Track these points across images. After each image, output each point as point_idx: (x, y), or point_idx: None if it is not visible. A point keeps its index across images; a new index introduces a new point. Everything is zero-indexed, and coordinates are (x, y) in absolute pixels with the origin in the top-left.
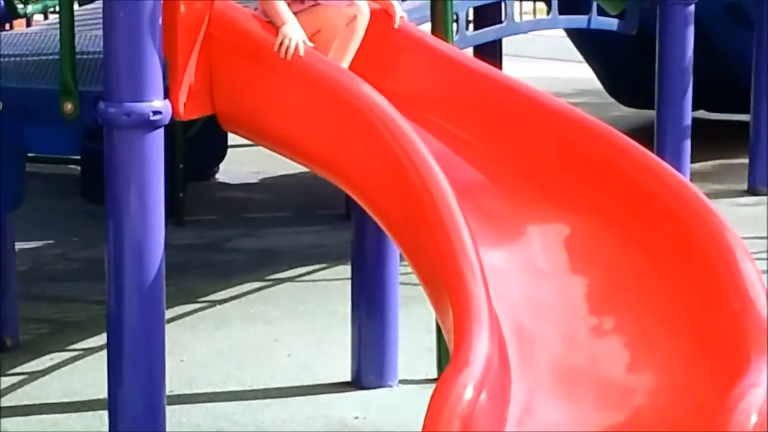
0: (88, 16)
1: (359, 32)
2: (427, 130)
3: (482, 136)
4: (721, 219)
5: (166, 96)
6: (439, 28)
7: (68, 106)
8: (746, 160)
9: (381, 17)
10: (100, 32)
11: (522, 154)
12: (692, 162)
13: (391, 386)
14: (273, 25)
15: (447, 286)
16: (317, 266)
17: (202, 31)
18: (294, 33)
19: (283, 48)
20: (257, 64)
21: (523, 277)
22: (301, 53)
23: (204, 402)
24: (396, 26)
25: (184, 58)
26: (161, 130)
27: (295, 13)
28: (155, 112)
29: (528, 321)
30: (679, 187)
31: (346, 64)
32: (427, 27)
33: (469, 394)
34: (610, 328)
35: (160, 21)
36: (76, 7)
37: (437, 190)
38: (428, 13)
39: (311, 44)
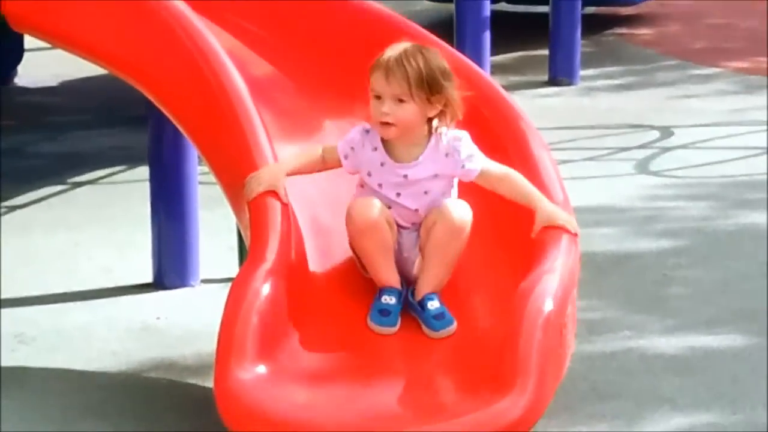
0: None
1: (441, 242)
2: (222, 27)
3: (277, 32)
4: (516, 108)
5: None
6: None
7: None
8: (546, 52)
9: None
10: None
11: (317, 49)
12: (493, 55)
13: (192, 286)
14: None
15: (243, 184)
16: (118, 168)
17: None
18: (266, 177)
19: (247, 187)
20: None
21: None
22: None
23: (5, 307)
24: None
25: None
26: None
27: None
28: None
29: (325, 215)
30: (475, 77)
31: (431, 279)
32: None
33: (266, 289)
34: None
35: None
36: None
37: (231, 86)
38: None
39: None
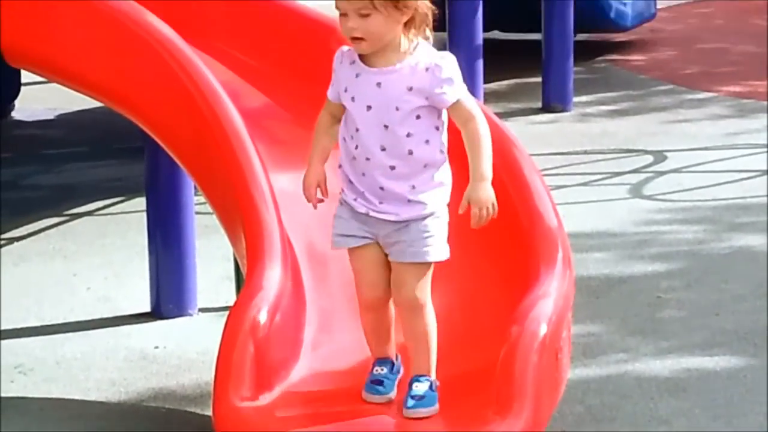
0: None
1: (406, 327)
2: (216, 59)
3: (271, 63)
4: (509, 135)
5: None
6: None
7: None
8: (540, 79)
9: None
10: None
11: (312, 79)
12: (487, 82)
13: (191, 315)
14: None
15: (239, 213)
16: (115, 199)
17: None
18: (308, 179)
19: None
20: None
21: None
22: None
23: (4, 338)
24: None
25: None
26: None
27: None
28: None
29: (320, 242)
30: None
31: (418, 364)
32: None
33: (263, 317)
34: None
35: None
36: None
37: (226, 118)
38: None
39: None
